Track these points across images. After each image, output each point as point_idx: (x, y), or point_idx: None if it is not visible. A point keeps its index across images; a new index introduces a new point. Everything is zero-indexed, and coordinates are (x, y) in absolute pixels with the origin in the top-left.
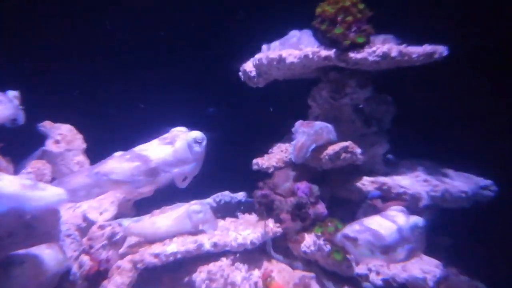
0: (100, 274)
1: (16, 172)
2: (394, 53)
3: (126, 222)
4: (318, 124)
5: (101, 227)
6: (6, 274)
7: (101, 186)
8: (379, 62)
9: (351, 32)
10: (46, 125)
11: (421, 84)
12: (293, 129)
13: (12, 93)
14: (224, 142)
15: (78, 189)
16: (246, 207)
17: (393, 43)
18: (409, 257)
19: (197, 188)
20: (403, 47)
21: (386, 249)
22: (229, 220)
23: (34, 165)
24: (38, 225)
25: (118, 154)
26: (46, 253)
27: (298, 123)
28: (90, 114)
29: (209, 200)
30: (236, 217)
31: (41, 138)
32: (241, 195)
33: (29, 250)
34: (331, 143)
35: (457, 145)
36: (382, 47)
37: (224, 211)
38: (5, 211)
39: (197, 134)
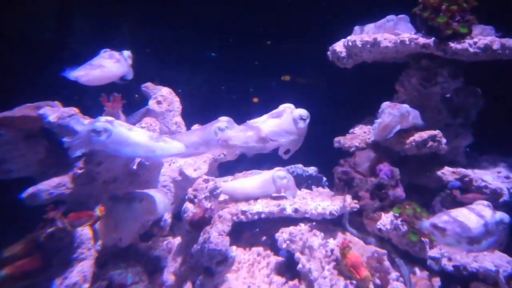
0: (204, 220)
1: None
2: (496, 46)
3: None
4: (405, 107)
5: (205, 180)
6: (128, 207)
7: (216, 147)
8: (478, 54)
9: (454, 22)
10: (149, 86)
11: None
12: (380, 110)
13: (127, 53)
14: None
15: (189, 146)
16: (314, 181)
17: (492, 34)
18: (491, 249)
19: (272, 158)
20: (505, 40)
21: (471, 241)
22: (304, 190)
23: (147, 121)
24: (142, 173)
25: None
26: (157, 196)
27: (385, 104)
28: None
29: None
30: (310, 189)
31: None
32: (312, 170)
33: (146, 191)
34: (416, 128)
35: None
36: (484, 39)
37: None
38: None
39: (302, 111)
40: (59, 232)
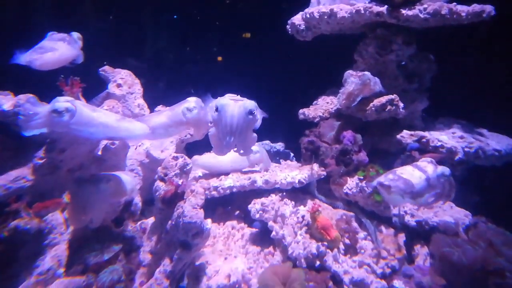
0: (177, 196)
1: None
2: (444, 11)
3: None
4: (367, 74)
5: (175, 158)
6: (95, 188)
7: (182, 125)
8: (428, 19)
9: None
10: (107, 70)
11: (462, 45)
12: (343, 79)
13: (76, 35)
14: (267, 94)
15: (158, 127)
16: (282, 157)
17: (442, 1)
18: (435, 202)
19: None
20: (453, 5)
21: (414, 195)
22: (273, 164)
23: (109, 103)
24: (108, 158)
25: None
26: (125, 177)
27: (348, 73)
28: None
29: None
30: (279, 162)
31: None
32: (279, 145)
33: (113, 173)
34: (377, 95)
35: (492, 106)
36: (433, 5)
37: None
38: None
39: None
40: (25, 224)
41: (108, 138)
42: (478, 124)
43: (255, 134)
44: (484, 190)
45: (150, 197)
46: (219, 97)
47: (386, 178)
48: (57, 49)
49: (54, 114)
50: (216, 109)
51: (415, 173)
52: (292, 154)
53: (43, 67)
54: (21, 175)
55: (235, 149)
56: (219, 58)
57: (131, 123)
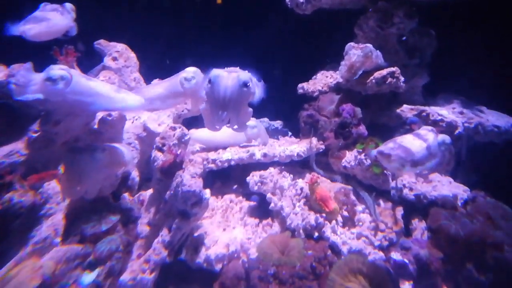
0: (175, 165)
1: None
2: None
3: None
4: (369, 46)
5: (172, 128)
6: (91, 157)
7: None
8: None
9: None
10: (102, 43)
11: (463, 21)
12: (344, 51)
13: (69, 6)
14: (266, 70)
15: (155, 98)
16: (281, 134)
17: None
18: (435, 170)
19: None
20: None
21: (415, 164)
22: (271, 140)
23: (105, 74)
24: (105, 130)
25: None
26: (121, 149)
27: (350, 45)
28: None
29: None
30: (277, 139)
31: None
32: (278, 123)
33: (110, 144)
34: (378, 69)
35: (493, 84)
36: None
37: None
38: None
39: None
40: (19, 196)
41: (104, 109)
42: (477, 102)
43: (250, 109)
44: (483, 169)
45: (148, 173)
46: (214, 69)
47: (386, 146)
48: (51, 18)
49: (48, 82)
50: (209, 81)
51: (416, 141)
52: (290, 133)
53: (36, 38)
54: (15, 150)
55: (229, 124)
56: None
57: (128, 94)
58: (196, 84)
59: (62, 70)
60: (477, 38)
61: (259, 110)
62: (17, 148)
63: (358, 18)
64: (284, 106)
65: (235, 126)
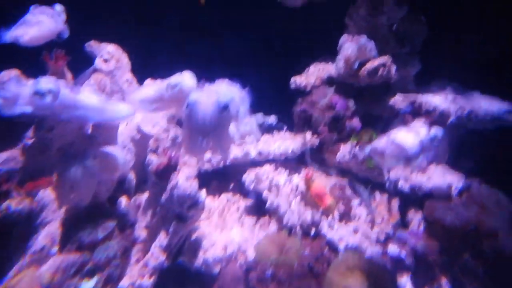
0: (170, 168)
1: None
2: None
3: None
4: (363, 39)
5: (166, 130)
6: (81, 165)
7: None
8: None
9: None
10: (93, 45)
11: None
12: (339, 45)
13: (60, 8)
14: (258, 64)
15: (146, 101)
16: (276, 129)
17: None
18: (429, 163)
19: None
20: None
21: (409, 159)
22: (266, 136)
23: (96, 77)
24: (99, 134)
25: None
26: (115, 152)
27: (344, 37)
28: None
29: None
30: (271, 134)
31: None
32: (272, 119)
33: (102, 149)
34: (371, 60)
35: (484, 69)
36: None
37: None
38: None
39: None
40: (16, 204)
41: (95, 121)
42: (470, 86)
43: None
44: (478, 154)
45: (144, 175)
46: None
47: (379, 143)
48: (43, 22)
49: (36, 96)
50: (187, 106)
51: (408, 136)
52: (285, 127)
53: (30, 43)
54: (11, 157)
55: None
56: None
57: (116, 105)
58: (179, 92)
59: (50, 84)
60: (466, 19)
61: (253, 106)
62: (13, 155)
63: (347, 9)
64: (277, 100)
65: (218, 152)
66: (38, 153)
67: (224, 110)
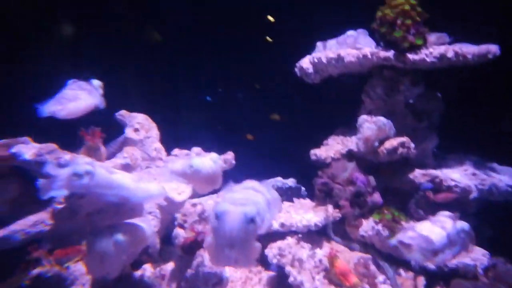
0: (197, 244)
1: (108, 156)
2: (450, 55)
3: None
4: (382, 119)
5: (193, 205)
6: (112, 241)
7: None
8: (435, 63)
9: (410, 35)
10: (123, 114)
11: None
12: (358, 124)
13: (97, 83)
14: (275, 134)
15: (179, 174)
16: (294, 192)
17: (446, 41)
18: (455, 257)
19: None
20: (458, 48)
21: (436, 252)
22: (287, 203)
23: (129, 151)
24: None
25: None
26: (142, 225)
27: (363, 118)
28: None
29: None
30: (291, 200)
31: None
32: (291, 182)
33: (129, 221)
34: (389, 138)
35: (502, 140)
36: (438, 49)
37: None
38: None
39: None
40: (46, 272)
41: (126, 200)
42: (487, 159)
43: (258, 243)
44: (498, 224)
45: (167, 237)
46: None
47: (405, 235)
48: (80, 98)
49: (74, 177)
50: (216, 217)
51: (435, 229)
52: (303, 189)
53: (67, 117)
54: (40, 220)
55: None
56: (250, 137)
57: (148, 184)
58: (196, 173)
59: (88, 165)
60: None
61: (272, 171)
62: (43, 218)
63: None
64: (295, 163)
65: (242, 264)
66: (67, 218)
67: (251, 222)
